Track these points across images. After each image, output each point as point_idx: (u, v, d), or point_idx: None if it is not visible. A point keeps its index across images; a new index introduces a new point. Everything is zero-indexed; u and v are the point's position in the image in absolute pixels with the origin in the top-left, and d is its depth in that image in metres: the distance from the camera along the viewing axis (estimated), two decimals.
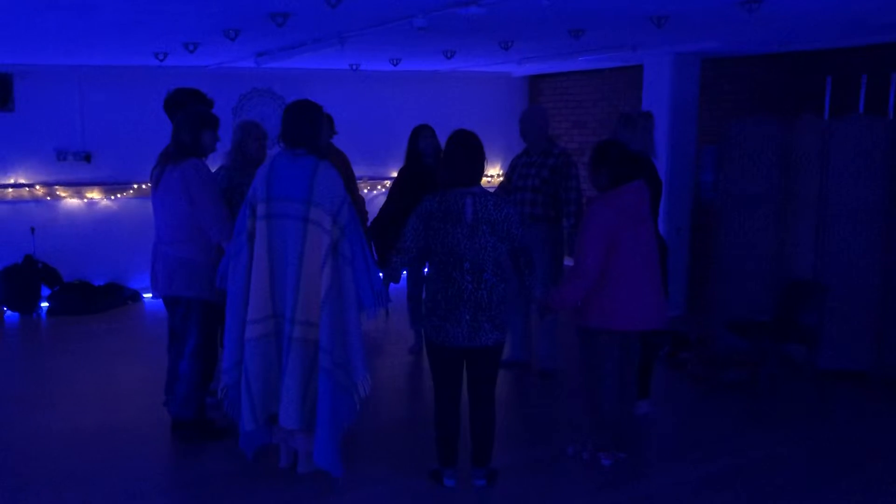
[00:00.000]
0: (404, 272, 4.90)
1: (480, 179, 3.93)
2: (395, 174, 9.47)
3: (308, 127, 3.94)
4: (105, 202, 8.42)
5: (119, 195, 8.42)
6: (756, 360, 5.66)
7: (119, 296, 8.26)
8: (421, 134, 6.15)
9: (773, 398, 5.43)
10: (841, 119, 5.95)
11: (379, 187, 9.42)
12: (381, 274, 4.06)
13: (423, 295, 4.07)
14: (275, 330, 4.00)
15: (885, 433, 4.93)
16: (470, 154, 3.89)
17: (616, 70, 8.93)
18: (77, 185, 8.25)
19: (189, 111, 4.63)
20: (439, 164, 5.98)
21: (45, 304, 8.01)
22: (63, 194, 8.22)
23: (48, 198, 8.18)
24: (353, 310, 3.90)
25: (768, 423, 5.05)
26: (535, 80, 10.25)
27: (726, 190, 6.44)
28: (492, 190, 4.70)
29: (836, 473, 4.35)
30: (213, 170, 4.88)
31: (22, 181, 8.08)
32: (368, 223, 6.35)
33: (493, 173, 9.77)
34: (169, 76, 7.89)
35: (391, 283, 4.18)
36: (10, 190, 8.02)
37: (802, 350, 5.52)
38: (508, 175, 5.81)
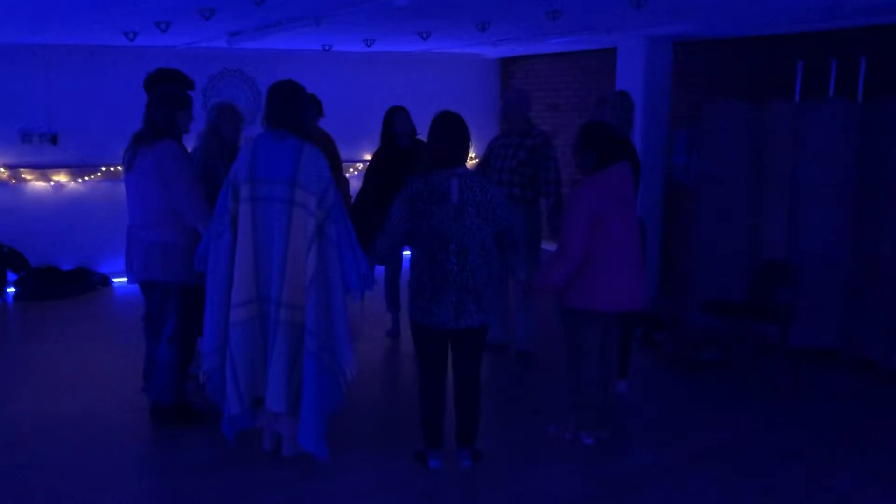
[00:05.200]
0: None
1: (466, 161, 3.93)
2: (368, 156, 9.47)
3: (292, 108, 3.89)
4: (72, 185, 8.24)
5: (87, 178, 8.25)
6: (730, 339, 5.75)
7: (88, 281, 8.12)
8: (395, 115, 6.09)
9: (747, 377, 5.53)
10: (812, 102, 6.04)
11: (351, 170, 9.36)
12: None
13: (409, 278, 4.05)
14: (259, 313, 3.97)
15: (855, 409, 5.05)
16: (455, 135, 3.88)
17: (589, 53, 8.96)
18: (43, 168, 8.06)
19: (162, 91, 4.53)
20: (414, 145, 6.04)
21: (11, 290, 7.84)
22: (28, 177, 8.03)
23: (13, 181, 7.98)
24: (339, 293, 3.87)
25: (743, 401, 5.15)
26: (507, 63, 10.25)
27: (699, 172, 6.52)
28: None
29: (810, 448, 4.45)
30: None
31: None
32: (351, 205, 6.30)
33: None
34: (138, 56, 7.76)
35: (376, 266, 4.16)
36: None
37: (775, 329, 5.62)
38: (486, 156, 5.82)
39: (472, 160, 9.53)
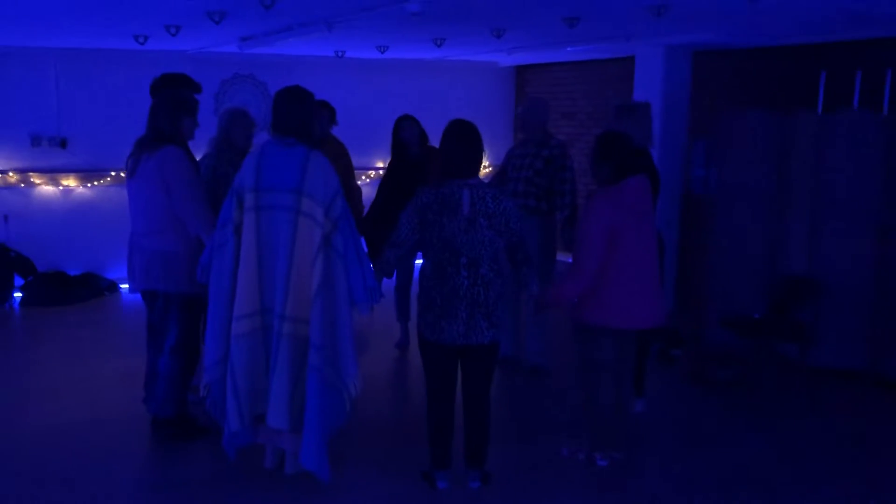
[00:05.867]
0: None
1: (478, 171, 3.79)
2: (380, 164, 9.38)
3: (300, 114, 3.76)
4: (81, 190, 8.17)
5: (96, 183, 8.18)
6: (749, 357, 5.58)
7: (95, 286, 8.04)
8: (402, 124, 5.98)
9: (767, 397, 5.35)
10: (836, 114, 5.87)
11: (363, 177, 9.25)
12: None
13: (418, 290, 3.91)
14: (262, 326, 3.84)
15: (880, 431, 4.86)
16: (468, 145, 3.74)
17: (605, 61, 8.82)
18: (52, 172, 7.99)
19: (166, 96, 4.42)
20: (426, 153, 5.91)
21: (18, 295, 7.76)
22: (37, 181, 7.96)
23: (22, 185, 7.92)
24: (345, 306, 3.74)
25: (764, 422, 4.97)
26: (522, 71, 10.12)
27: (718, 184, 6.36)
28: (486, 181, 4.57)
29: (834, 473, 4.27)
30: (198, 157, 4.70)
31: None
32: (363, 215, 6.17)
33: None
34: (149, 60, 7.68)
35: (383, 278, 4.02)
36: None
37: (795, 347, 5.45)
38: (503, 166, 5.68)
39: (485, 169, 9.40)
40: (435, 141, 4.76)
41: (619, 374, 4.23)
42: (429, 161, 5.75)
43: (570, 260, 4.10)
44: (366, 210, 6.26)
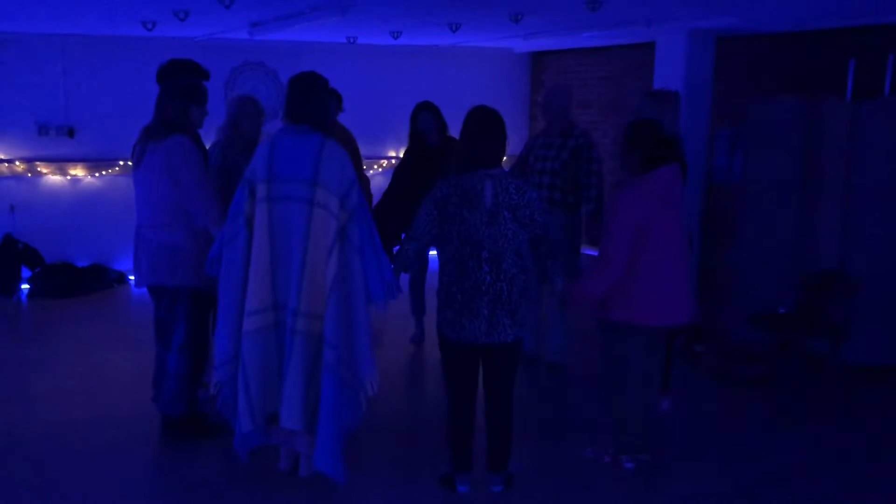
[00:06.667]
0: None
1: (501, 161, 3.60)
2: (392, 153, 9.20)
3: (314, 101, 3.57)
4: (89, 179, 8.03)
5: (104, 172, 8.03)
6: (775, 353, 5.39)
7: (104, 278, 7.90)
8: (420, 112, 5.76)
9: (796, 395, 5.16)
10: (868, 101, 5.66)
11: (375, 167, 9.08)
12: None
13: (438, 286, 3.73)
14: (275, 322, 3.66)
15: None
16: (490, 133, 3.54)
17: (623, 48, 8.59)
18: (59, 161, 7.84)
19: (174, 83, 4.23)
20: (445, 143, 5.71)
21: (25, 286, 7.64)
22: (45, 171, 7.82)
23: (29, 174, 7.78)
24: (361, 301, 3.56)
25: (796, 422, 4.78)
26: (538, 57, 9.90)
27: (745, 174, 6.15)
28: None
29: (869, 478, 4.08)
30: (207, 146, 4.53)
31: (1, 157, 7.67)
32: (372, 205, 5.99)
33: None
34: (157, 47, 7.50)
35: (400, 273, 3.84)
36: None
37: (826, 344, 5.25)
38: (524, 157, 5.47)
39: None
40: (451, 130, 4.57)
41: (646, 374, 4.04)
42: (448, 152, 5.54)
43: (597, 254, 3.91)
44: (376, 200, 6.08)
